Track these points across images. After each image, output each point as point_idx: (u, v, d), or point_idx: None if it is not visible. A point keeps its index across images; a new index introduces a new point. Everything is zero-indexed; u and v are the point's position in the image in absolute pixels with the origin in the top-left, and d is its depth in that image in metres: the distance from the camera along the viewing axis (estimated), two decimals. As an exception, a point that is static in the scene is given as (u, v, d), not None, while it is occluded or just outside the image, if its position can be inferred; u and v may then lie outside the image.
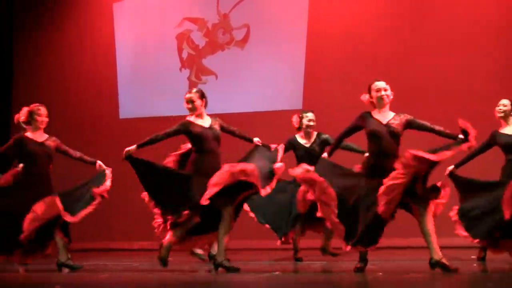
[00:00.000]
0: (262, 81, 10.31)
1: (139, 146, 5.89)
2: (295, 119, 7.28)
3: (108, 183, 6.40)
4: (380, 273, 5.58)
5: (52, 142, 6.59)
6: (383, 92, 5.59)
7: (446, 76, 9.43)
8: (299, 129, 7.24)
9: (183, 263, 7.03)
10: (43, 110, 6.60)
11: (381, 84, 5.63)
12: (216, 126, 6.05)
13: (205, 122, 6.04)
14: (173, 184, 5.86)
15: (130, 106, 10.99)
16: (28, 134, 6.55)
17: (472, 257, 6.59)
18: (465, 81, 9.35)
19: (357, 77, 9.85)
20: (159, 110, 10.78)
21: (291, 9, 10.42)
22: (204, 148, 5.93)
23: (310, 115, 7.23)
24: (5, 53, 11.59)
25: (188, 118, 6.04)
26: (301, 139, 7.21)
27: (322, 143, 7.14)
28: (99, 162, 6.56)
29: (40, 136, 6.57)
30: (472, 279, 5.11)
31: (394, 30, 9.83)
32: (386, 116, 5.59)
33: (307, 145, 7.17)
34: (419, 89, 9.49)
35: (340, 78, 9.95)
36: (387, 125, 5.52)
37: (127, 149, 5.87)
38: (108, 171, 6.50)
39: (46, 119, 6.60)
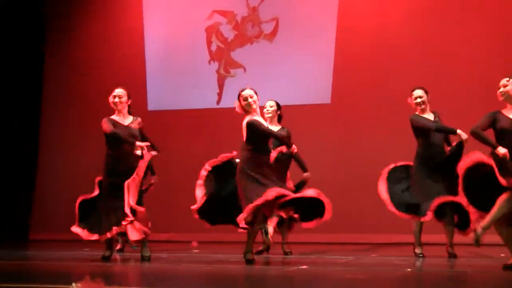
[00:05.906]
0: (291, 74, 10.27)
1: None
2: None
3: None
4: (409, 269, 5.55)
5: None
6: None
7: (482, 71, 9.09)
8: None
9: (211, 254, 7.04)
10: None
11: None
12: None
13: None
14: None
15: (158, 98, 11.03)
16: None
17: (502, 255, 6.51)
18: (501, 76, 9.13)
19: (386, 71, 9.79)
20: (187, 102, 10.82)
21: (321, 2, 10.36)
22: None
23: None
24: (37, 46, 11.69)
25: None
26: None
27: None
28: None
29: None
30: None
31: (426, 23, 9.68)
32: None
33: None
34: (453, 83, 9.32)
35: (370, 72, 9.87)
36: None
37: None
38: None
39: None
